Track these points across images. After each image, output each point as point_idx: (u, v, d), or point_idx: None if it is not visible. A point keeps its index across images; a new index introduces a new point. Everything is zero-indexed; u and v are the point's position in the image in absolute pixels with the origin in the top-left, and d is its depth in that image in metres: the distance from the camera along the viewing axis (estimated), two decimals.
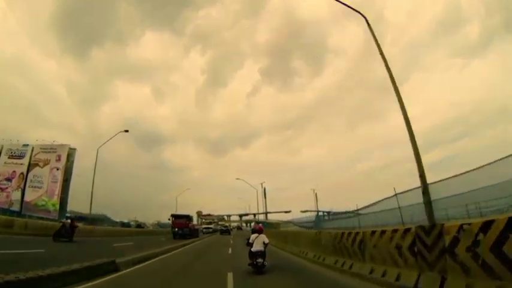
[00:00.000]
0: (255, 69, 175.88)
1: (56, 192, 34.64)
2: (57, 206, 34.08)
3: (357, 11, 9.79)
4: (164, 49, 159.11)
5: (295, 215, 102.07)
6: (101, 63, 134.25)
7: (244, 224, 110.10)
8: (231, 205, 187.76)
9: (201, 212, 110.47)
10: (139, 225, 66.60)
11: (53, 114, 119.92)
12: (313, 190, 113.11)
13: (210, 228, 52.19)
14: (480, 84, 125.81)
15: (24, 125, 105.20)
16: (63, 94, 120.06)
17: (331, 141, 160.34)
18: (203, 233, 45.51)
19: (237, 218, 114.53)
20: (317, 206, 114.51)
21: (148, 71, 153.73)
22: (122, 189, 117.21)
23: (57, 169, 35.60)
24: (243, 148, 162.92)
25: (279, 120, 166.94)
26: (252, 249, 8.10)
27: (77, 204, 37.35)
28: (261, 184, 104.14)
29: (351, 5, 9.87)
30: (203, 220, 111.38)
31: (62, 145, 37.35)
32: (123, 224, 60.56)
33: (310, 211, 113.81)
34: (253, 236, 8.46)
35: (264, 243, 8.17)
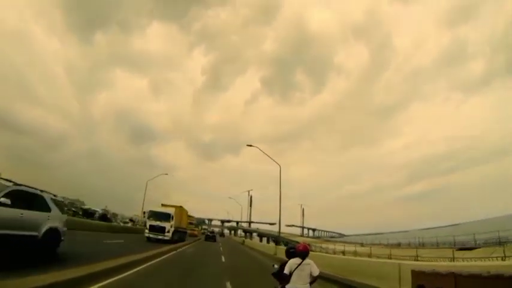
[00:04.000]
0: (256, 78, 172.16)
1: None
2: None
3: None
4: (168, 43, 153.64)
5: (282, 228, 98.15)
6: (103, 49, 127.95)
7: (226, 231, 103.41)
8: (213, 210, 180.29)
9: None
10: (104, 215, 56.13)
11: (47, 93, 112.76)
12: (301, 205, 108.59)
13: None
14: (476, 122, 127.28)
15: (15, 101, 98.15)
16: (61, 74, 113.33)
17: (323, 160, 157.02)
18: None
19: (219, 223, 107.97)
20: (303, 222, 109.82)
21: (149, 63, 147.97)
22: (105, 179, 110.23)
23: None
24: (234, 155, 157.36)
25: (273, 132, 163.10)
26: None
27: None
28: (248, 192, 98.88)
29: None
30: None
31: None
32: (85, 212, 49.97)
33: (296, 226, 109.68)
34: (293, 262, 4.29)
35: (311, 275, 4.26)
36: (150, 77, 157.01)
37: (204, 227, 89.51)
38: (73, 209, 61.06)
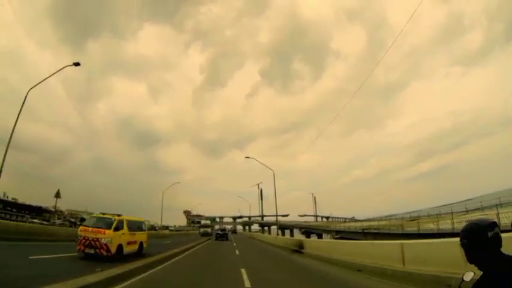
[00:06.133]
0: (255, 70, 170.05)
1: None
2: None
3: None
4: (163, 45, 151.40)
5: (293, 219, 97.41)
6: (96, 57, 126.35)
7: (240, 227, 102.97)
8: (224, 207, 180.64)
9: (189, 211, 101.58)
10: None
11: (45, 108, 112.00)
12: (312, 194, 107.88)
13: (207, 231, 44.83)
14: (479, 93, 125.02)
15: (14, 119, 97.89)
16: (58, 87, 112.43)
17: (328, 147, 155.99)
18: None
19: (231, 220, 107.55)
20: (315, 210, 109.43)
21: (146, 67, 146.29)
22: (112, 187, 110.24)
23: None
24: (240, 150, 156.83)
25: (277, 124, 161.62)
26: None
27: None
28: (258, 185, 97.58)
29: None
30: (193, 222, 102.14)
31: None
32: (83, 221, 47.77)
33: (308, 215, 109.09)
34: None
35: None
36: (148, 80, 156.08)
37: (216, 226, 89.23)
38: (71, 220, 57.94)
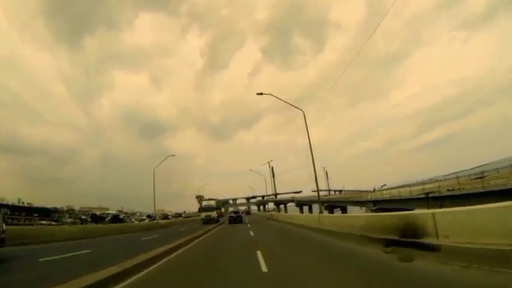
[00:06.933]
0: (255, 48, 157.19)
1: None
2: None
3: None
4: (160, 32, 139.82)
5: (307, 195, 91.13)
6: (93, 52, 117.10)
7: (255, 207, 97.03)
8: (236, 188, 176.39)
9: (201, 196, 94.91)
10: (116, 217, 50.46)
11: (48, 109, 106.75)
12: (324, 168, 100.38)
13: (210, 216, 33.27)
14: (483, 59, 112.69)
15: (18, 124, 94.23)
16: (59, 87, 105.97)
17: (333, 121, 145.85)
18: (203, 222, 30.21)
19: (244, 201, 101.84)
20: (328, 185, 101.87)
21: (145, 56, 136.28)
22: (124, 181, 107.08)
23: None
24: (247, 130, 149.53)
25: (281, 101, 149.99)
26: None
27: None
28: (268, 163, 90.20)
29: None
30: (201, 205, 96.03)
31: None
32: (94, 217, 47.26)
33: (322, 190, 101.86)
34: None
35: None
36: (149, 69, 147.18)
37: (230, 209, 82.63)
38: (82, 217, 56.49)
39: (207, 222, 29.82)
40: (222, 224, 28.52)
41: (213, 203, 38.87)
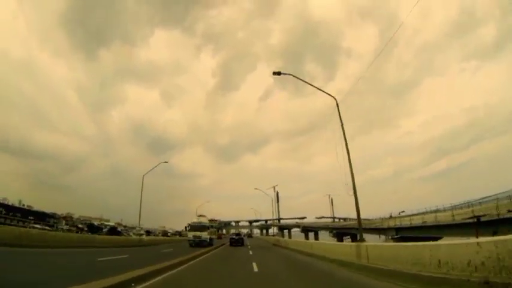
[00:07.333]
0: (267, 72, 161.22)
1: None
2: None
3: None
4: (174, 49, 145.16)
5: (310, 221, 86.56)
6: (108, 65, 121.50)
7: (257, 231, 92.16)
8: (239, 211, 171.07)
9: (203, 216, 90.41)
10: (113, 229, 48.73)
11: (60, 116, 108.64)
12: (329, 196, 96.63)
13: (200, 237, 25.83)
14: (494, 89, 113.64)
15: (30, 128, 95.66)
16: (72, 96, 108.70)
17: (342, 148, 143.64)
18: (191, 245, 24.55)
19: (247, 223, 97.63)
20: (333, 212, 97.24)
21: (158, 72, 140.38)
22: (127, 194, 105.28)
23: None
24: (253, 154, 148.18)
25: (290, 127, 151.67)
26: None
27: None
28: (274, 188, 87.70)
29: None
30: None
31: None
32: (91, 227, 45.68)
33: (326, 217, 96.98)
34: None
35: None
36: (161, 86, 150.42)
37: (232, 231, 77.92)
38: (79, 225, 54.30)
39: (195, 245, 24.18)
40: (217, 248, 23.65)
41: (205, 219, 30.41)
